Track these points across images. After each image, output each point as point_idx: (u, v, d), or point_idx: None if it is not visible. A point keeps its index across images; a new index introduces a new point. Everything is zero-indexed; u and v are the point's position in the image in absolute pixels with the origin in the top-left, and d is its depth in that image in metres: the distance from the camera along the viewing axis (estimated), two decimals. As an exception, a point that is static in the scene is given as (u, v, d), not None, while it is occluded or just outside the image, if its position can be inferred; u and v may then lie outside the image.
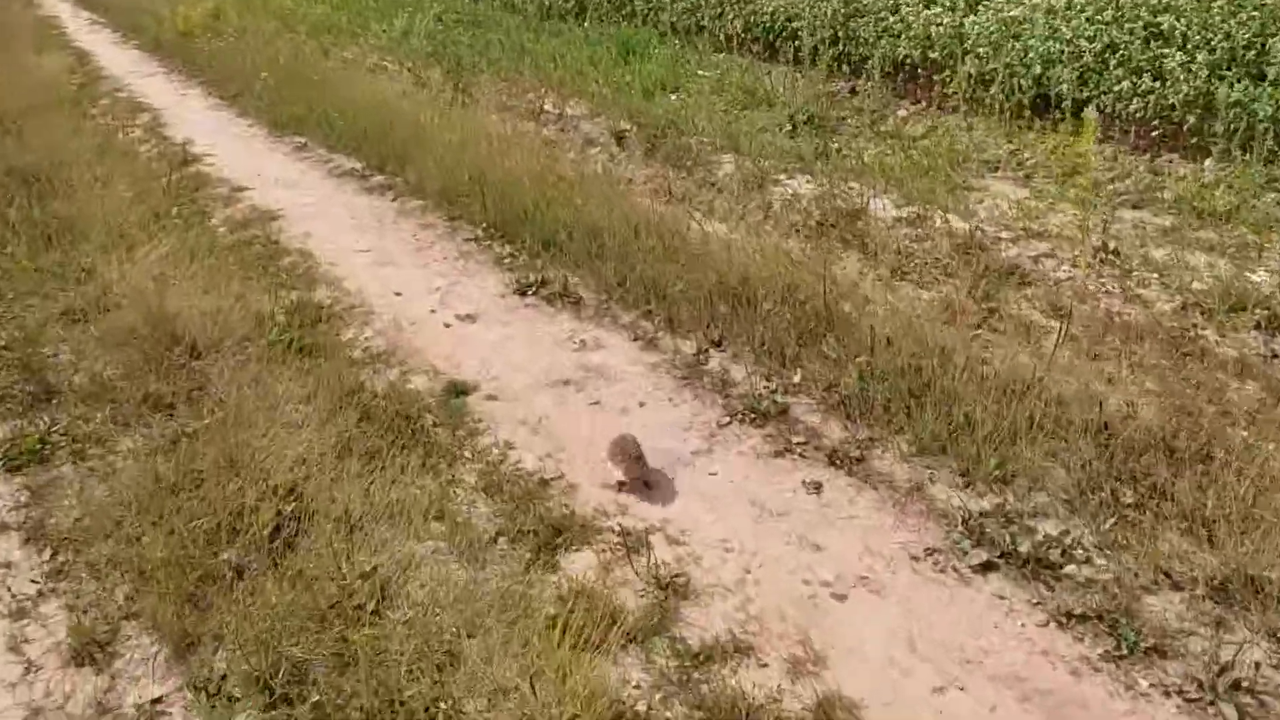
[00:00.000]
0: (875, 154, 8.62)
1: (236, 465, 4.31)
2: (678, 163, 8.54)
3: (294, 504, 4.08)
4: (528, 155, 7.95)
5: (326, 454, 4.42)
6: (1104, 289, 5.88)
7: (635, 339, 5.49)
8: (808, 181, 7.94)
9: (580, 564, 3.79)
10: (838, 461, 4.24)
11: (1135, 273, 5.94)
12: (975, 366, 4.61)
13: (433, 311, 6.08)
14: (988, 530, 3.72)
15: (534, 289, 6.16)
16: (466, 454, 4.56)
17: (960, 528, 3.75)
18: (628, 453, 4.14)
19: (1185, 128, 7.73)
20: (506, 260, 6.70)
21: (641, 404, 4.88)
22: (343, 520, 3.96)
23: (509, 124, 9.71)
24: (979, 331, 5.61)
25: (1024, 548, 3.56)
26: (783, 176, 8.08)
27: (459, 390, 5.10)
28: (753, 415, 4.61)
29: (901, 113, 9.83)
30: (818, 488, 4.10)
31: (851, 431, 4.42)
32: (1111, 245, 6.26)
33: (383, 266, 6.85)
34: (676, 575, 3.66)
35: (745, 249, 6.22)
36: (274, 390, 5.02)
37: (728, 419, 4.64)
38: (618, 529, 3.94)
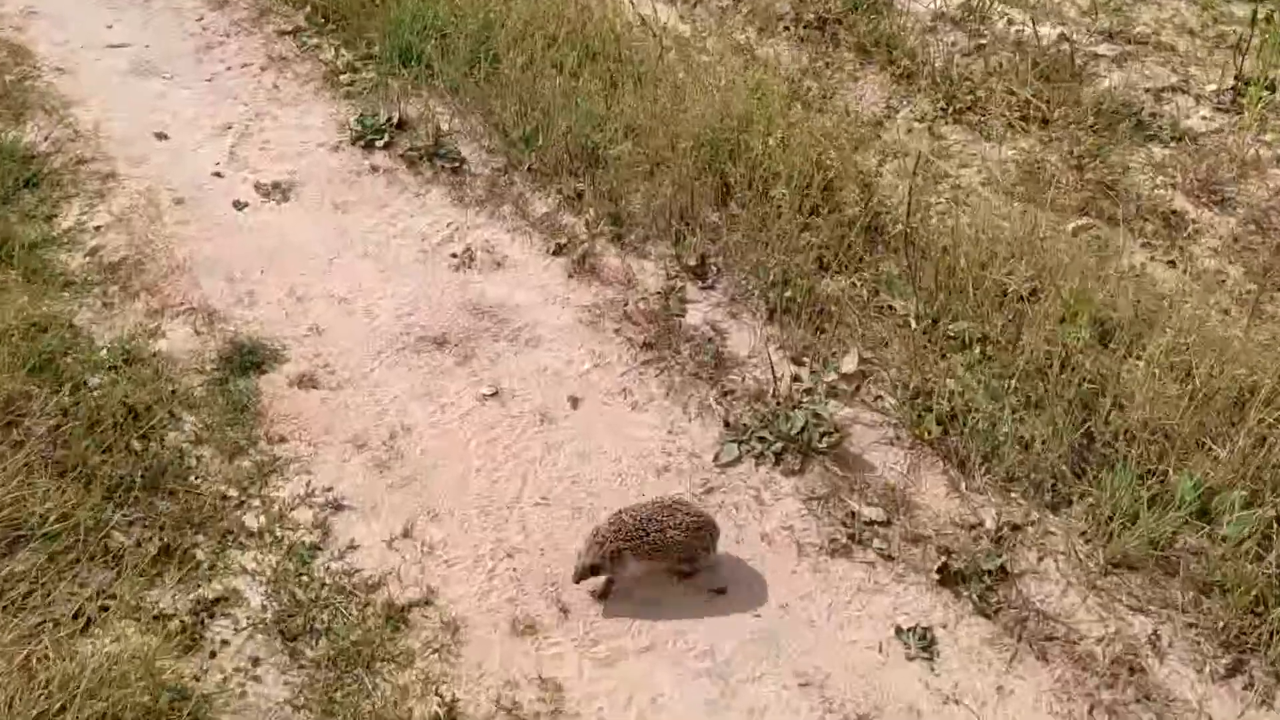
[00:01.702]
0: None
1: None
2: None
3: None
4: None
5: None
6: (1271, 151, 3.84)
7: (556, 250, 3.27)
8: (793, -59, 5.45)
9: None
10: (958, 580, 2.24)
11: (1319, 128, 3.90)
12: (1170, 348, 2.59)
13: (218, 174, 3.76)
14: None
15: (385, 137, 3.78)
16: (251, 522, 2.43)
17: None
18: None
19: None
20: (344, 77, 4.30)
21: (575, 401, 2.76)
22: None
23: None
24: (1083, 221, 3.62)
25: None
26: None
27: (250, 359, 2.88)
28: (779, 445, 2.54)
29: None
30: (927, 643, 2.14)
31: (968, 501, 2.40)
32: (1270, 76, 4.15)
33: (143, 77, 4.39)
34: None
35: (724, 73, 3.90)
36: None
37: (734, 447, 2.57)
38: (546, 758, 1.97)
